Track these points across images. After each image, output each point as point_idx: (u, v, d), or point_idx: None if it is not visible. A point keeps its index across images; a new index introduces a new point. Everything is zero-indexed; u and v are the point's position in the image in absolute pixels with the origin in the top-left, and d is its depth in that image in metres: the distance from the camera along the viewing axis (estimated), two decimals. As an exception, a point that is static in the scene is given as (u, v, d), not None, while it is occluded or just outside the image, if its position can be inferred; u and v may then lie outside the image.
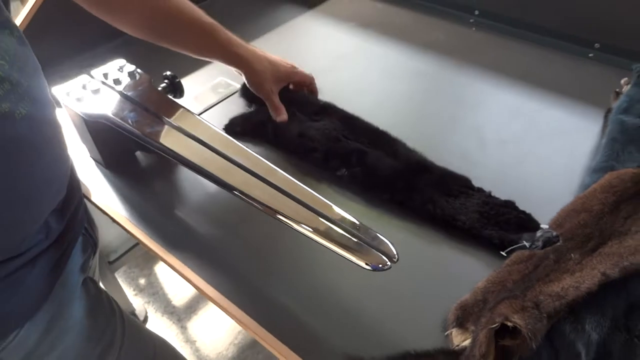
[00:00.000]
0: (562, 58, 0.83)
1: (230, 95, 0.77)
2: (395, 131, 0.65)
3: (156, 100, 0.58)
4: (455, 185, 0.57)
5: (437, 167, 0.60)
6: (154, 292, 1.37)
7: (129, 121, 0.55)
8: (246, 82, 0.68)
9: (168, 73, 0.65)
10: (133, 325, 0.63)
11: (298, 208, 0.46)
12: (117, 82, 0.59)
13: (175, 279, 1.40)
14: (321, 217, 0.45)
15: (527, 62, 0.82)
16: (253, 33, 0.92)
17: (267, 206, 0.46)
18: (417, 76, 0.81)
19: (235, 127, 0.69)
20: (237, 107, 0.74)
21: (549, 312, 0.40)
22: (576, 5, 0.81)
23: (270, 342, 0.45)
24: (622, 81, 0.71)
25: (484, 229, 0.52)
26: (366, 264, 0.41)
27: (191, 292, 1.37)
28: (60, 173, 0.47)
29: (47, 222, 0.46)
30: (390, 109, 0.74)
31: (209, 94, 0.77)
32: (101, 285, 0.62)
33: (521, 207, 0.54)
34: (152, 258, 1.45)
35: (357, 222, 0.44)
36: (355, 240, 0.43)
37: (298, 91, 0.72)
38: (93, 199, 0.60)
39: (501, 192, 0.56)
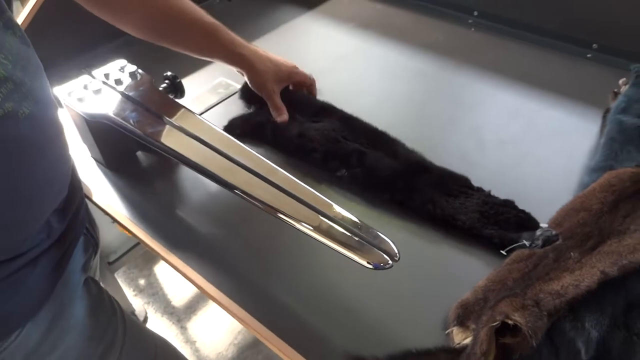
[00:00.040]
0: (560, 59, 0.83)
1: (231, 96, 0.77)
2: (394, 132, 0.65)
3: (157, 101, 0.58)
4: (455, 185, 0.58)
5: (437, 167, 0.60)
6: (154, 293, 1.37)
7: (131, 121, 0.55)
8: (248, 82, 0.68)
9: (169, 73, 0.65)
10: (134, 325, 0.63)
11: (299, 207, 0.46)
12: (118, 82, 0.59)
13: (175, 280, 1.40)
14: (323, 216, 0.45)
15: (526, 63, 0.83)
16: (253, 34, 0.92)
17: (268, 205, 0.47)
18: (417, 77, 0.81)
19: (234, 129, 0.69)
20: (236, 107, 0.75)
21: (549, 310, 0.40)
22: (574, 7, 0.82)
23: (272, 341, 0.45)
24: (620, 81, 0.71)
25: (484, 228, 0.53)
26: (368, 262, 0.41)
27: (191, 292, 1.37)
28: (62, 173, 0.47)
29: (49, 221, 0.47)
30: (389, 110, 0.74)
31: (209, 94, 0.78)
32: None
33: (520, 207, 0.54)
34: (151, 259, 1.45)
35: (358, 221, 0.45)
36: (357, 239, 0.43)
37: (298, 91, 0.73)
38: (94, 198, 0.61)
39: (500, 192, 0.56)
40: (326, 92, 0.75)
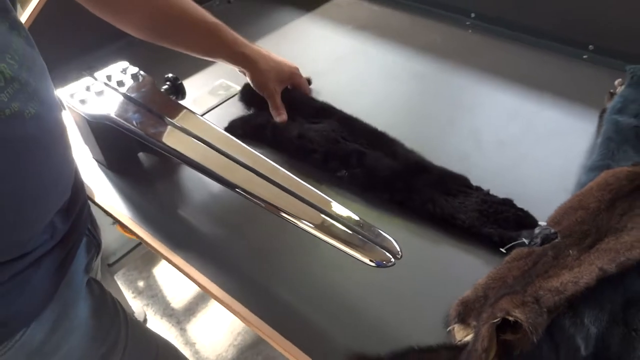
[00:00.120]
0: (557, 60, 0.84)
1: (231, 97, 0.77)
2: (393, 133, 0.66)
3: (159, 102, 0.58)
4: (454, 184, 0.58)
5: (436, 167, 0.61)
6: (153, 295, 1.37)
7: (133, 122, 0.55)
8: (250, 82, 0.68)
9: (170, 75, 0.66)
10: (136, 326, 0.64)
11: (302, 206, 0.46)
12: (120, 84, 0.60)
13: (174, 281, 1.40)
14: (325, 215, 0.46)
15: (523, 64, 0.84)
16: (252, 35, 0.92)
17: (270, 204, 0.47)
18: (415, 78, 0.82)
19: (235, 130, 0.70)
20: (237, 109, 0.75)
21: (548, 306, 0.41)
22: (570, 8, 0.83)
23: (275, 339, 0.46)
24: (616, 82, 0.72)
25: (483, 227, 0.53)
26: (370, 260, 0.41)
27: (190, 294, 1.37)
28: (66, 173, 0.47)
29: (53, 222, 0.47)
30: (388, 111, 0.75)
31: (210, 96, 0.78)
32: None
33: (519, 206, 0.55)
34: (150, 260, 1.45)
35: (360, 220, 0.45)
36: (359, 237, 0.43)
37: (297, 92, 0.73)
38: (96, 199, 0.61)
39: (500, 193, 0.57)
40: (325, 94, 0.75)
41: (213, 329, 1.28)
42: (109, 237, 1.09)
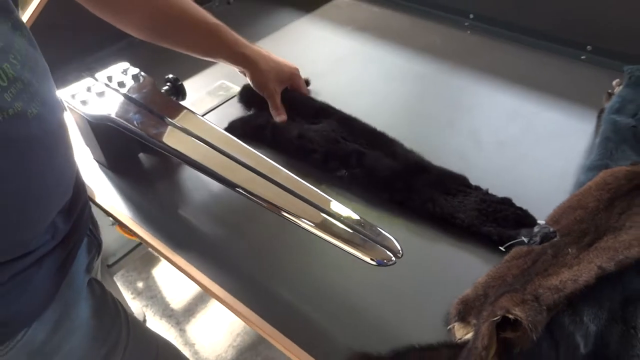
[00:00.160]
0: (555, 60, 0.84)
1: (231, 98, 0.78)
2: (392, 133, 0.66)
3: (160, 103, 0.59)
4: (453, 184, 0.59)
5: (435, 166, 0.61)
6: (152, 296, 1.37)
7: (134, 123, 0.55)
8: (250, 82, 0.69)
9: (170, 76, 0.66)
10: (137, 326, 0.64)
11: (303, 205, 0.47)
12: (121, 84, 0.60)
13: (174, 282, 1.40)
14: (326, 214, 0.46)
15: (521, 65, 0.84)
16: (251, 36, 0.92)
17: (271, 203, 0.47)
18: (414, 79, 0.82)
19: (234, 130, 0.70)
20: (236, 110, 0.75)
21: (548, 304, 0.41)
22: (568, 9, 0.83)
23: (277, 338, 0.46)
24: (614, 82, 0.73)
25: (482, 225, 0.54)
26: (371, 259, 0.42)
27: (189, 294, 1.37)
28: (68, 174, 0.48)
29: (54, 222, 0.47)
30: (387, 112, 0.75)
31: (210, 96, 0.78)
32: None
33: (518, 206, 0.55)
34: (150, 261, 1.45)
35: (361, 219, 0.45)
36: (360, 236, 0.44)
37: (297, 92, 0.73)
38: (97, 200, 0.61)
39: (499, 193, 0.57)
40: (325, 94, 0.76)
41: (212, 330, 1.28)
42: (108, 238, 1.09)
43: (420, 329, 0.46)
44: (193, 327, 1.30)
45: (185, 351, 1.24)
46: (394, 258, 0.42)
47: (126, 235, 1.03)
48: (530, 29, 0.88)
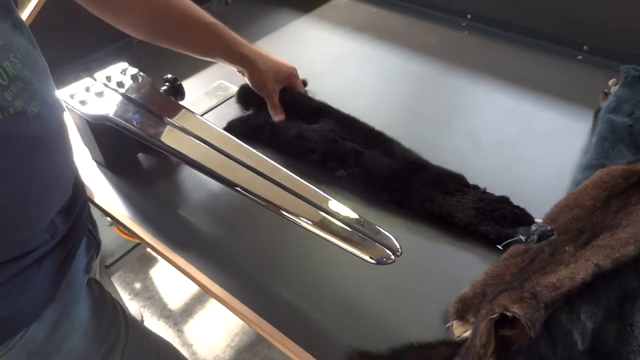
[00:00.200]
0: (552, 60, 0.85)
1: (229, 98, 0.78)
2: (390, 133, 0.66)
3: (159, 102, 0.59)
4: (451, 183, 0.59)
5: (433, 166, 0.61)
6: (150, 296, 1.37)
7: (133, 122, 0.55)
8: (248, 81, 0.69)
9: (169, 76, 0.66)
10: (136, 326, 0.64)
11: (302, 204, 0.47)
12: (120, 84, 0.60)
13: (171, 283, 1.40)
14: (325, 213, 0.46)
15: (518, 65, 0.85)
16: (250, 37, 0.92)
17: (270, 202, 0.47)
18: (412, 79, 0.83)
19: (233, 130, 0.70)
20: (235, 110, 0.75)
21: (546, 302, 0.41)
22: (565, 9, 0.84)
23: (276, 337, 0.46)
24: (610, 82, 0.73)
25: (480, 224, 0.54)
26: (371, 257, 0.42)
27: (187, 295, 1.37)
28: (67, 173, 0.48)
29: (54, 222, 0.47)
30: (385, 112, 0.75)
31: (208, 96, 0.78)
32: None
33: (516, 204, 0.55)
34: (147, 262, 1.45)
35: (359, 218, 0.46)
36: (359, 234, 0.44)
37: (295, 92, 0.74)
38: (96, 200, 0.61)
39: (497, 192, 0.57)
40: (323, 94, 0.76)
41: (210, 330, 1.28)
42: (106, 238, 1.08)
43: (419, 327, 0.46)
44: (191, 328, 1.30)
45: (183, 352, 1.24)
46: (393, 256, 0.42)
47: (124, 235, 1.03)
48: (527, 29, 0.89)
